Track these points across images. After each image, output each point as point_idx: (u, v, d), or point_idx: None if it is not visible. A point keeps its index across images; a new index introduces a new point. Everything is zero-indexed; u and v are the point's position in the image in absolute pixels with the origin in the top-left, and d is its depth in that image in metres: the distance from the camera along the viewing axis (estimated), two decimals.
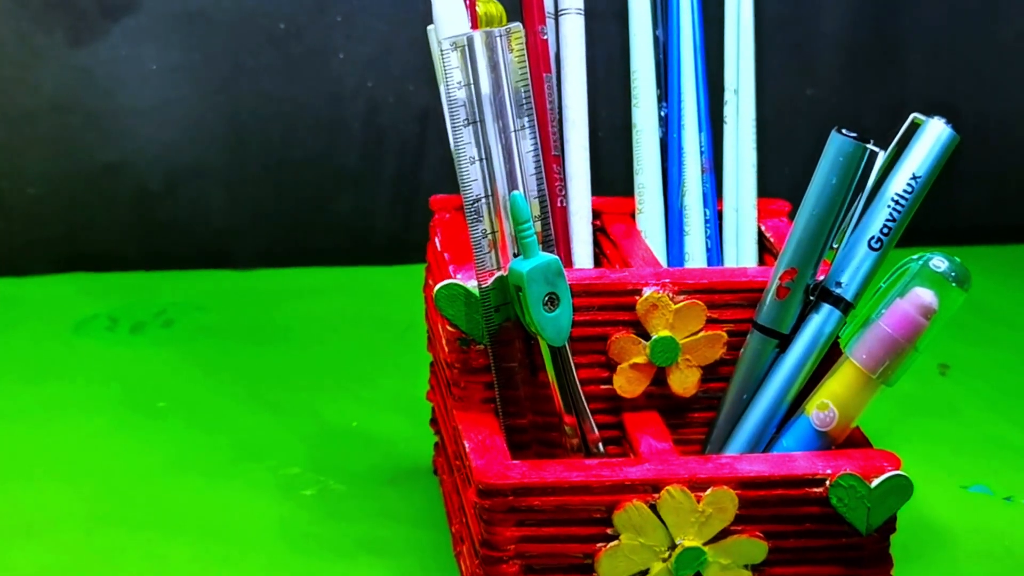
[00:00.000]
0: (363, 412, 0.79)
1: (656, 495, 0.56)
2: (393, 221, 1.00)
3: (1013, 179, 1.07)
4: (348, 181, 0.99)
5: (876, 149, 0.59)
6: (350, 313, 0.92)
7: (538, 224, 0.60)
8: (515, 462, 0.57)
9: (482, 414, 0.61)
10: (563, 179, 0.65)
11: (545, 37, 0.65)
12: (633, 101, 0.68)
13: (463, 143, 0.58)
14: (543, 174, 0.60)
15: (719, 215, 0.69)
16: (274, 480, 0.71)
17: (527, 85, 0.59)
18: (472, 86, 0.57)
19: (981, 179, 1.06)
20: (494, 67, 0.58)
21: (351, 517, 0.68)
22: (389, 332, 0.89)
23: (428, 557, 0.65)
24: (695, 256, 0.68)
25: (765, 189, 0.70)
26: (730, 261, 0.68)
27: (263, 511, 0.69)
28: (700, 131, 0.68)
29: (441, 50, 0.57)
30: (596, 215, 0.69)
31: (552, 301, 0.58)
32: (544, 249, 0.60)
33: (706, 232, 0.68)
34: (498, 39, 0.58)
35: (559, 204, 0.65)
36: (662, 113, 0.68)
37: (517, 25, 0.59)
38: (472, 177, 0.58)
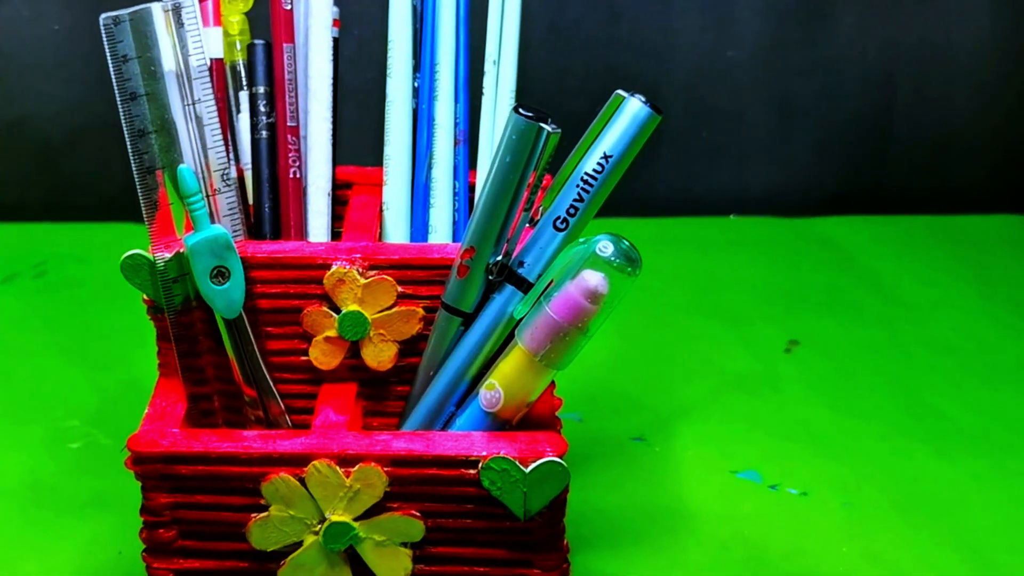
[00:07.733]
0: None
1: (305, 469, 0.57)
2: None
3: (954, 143, 1.03)
4: None
5: (552, 129, 0.57)
6: None
7: (223, 197, 0.60)
8: (173, 430, 0.58)
9: (177, 381, 0.62)
10: (299, 150, 0.66)
11: (289, 7, 0.65)
12: (388, 72, 0.67)
13: (131, 116, 0.58)
14: (224, 146, 0.60)
15: (471, 187, 0.68)
16: (47, 432, 0.74)
17: (203, 57, 0.59)
18: (140, 60, 0.58)
19: (917, 143, 1.03)
20: (179, 40, 0.58)
21: (100, 472, 0.70)
22: None
23: None
24: (440, 229, 0.67)
25: None
26: None
27: (19, 462, 0.71)
28: (456, 102, 0.67)
29: (103, 25, 0.57)
30: (348, 186, 0.69)
31: (222, 274, 0.59)
32: (231, 222, 0.61)
33: (454, 205, 0.67)
34: (169, 13, 0.58)
35: (291, 176, 0.66)
36: (416, 84, 0.67)
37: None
38: (142, 150, 0.59)
